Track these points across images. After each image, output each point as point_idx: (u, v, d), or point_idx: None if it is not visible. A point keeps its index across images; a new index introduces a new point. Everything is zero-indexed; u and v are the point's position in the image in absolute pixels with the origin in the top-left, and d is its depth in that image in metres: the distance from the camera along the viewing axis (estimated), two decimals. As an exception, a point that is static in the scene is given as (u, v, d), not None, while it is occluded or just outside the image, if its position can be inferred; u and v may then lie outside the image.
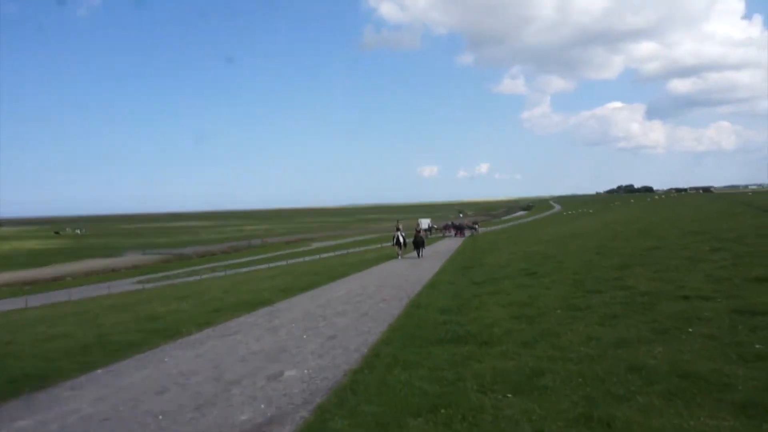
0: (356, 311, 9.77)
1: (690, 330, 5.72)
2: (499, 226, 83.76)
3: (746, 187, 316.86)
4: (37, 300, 33.51)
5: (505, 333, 6.68)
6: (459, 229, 64.35)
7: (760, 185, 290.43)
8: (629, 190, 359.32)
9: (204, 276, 40.34)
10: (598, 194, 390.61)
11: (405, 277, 15.96)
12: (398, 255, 25.58)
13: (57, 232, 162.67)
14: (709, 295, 7.39)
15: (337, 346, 6.95)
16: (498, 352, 5.85)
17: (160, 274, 50.36)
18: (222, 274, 41.94)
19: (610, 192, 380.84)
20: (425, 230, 72.05)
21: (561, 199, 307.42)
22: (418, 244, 25.52)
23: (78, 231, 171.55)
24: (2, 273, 63.08)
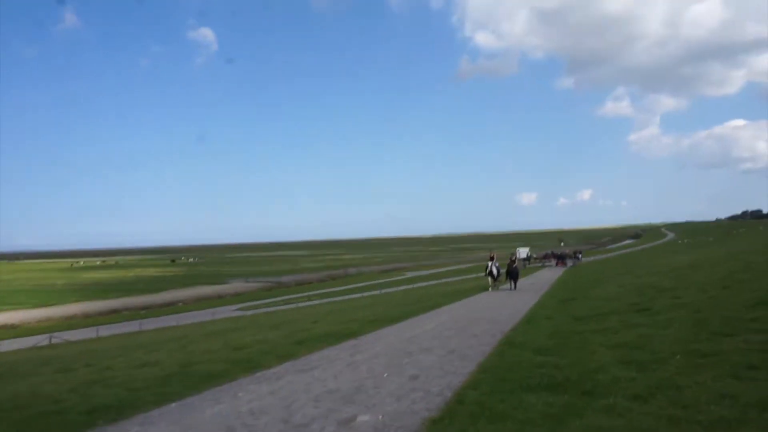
0: (444, 347, 9.09)
1: None
2: (604, 256, 78.60)
3: None
4: (150, 324, 36.05)
5: (611, 381, 5.72)
6: (560, 259, 61.41)
7: None
8: (757, 215, 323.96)
9: (300, 304, 41.34)
10: (718, 221, 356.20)
11: (499, 311, 14.98)
12: (490, 287, 24.18)
13: (173, 261, 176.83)
14: None
15: (419, 387, 6.33)
16: (603, 405, 4.93)
17: (260, 302, 52.42)
18: (317, 302, 42.73)
19: (733, 218, 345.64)
20: (523, 260, 69.21)
21: (675, 227, 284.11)
22: (513, 274, 23.97)
23: (191, 260, 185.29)
24: (125, 298, 69.09)
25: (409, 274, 79.28)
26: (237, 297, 67.38)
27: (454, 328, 11.59)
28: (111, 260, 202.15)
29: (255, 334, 13.59)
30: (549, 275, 38.80)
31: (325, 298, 46.95)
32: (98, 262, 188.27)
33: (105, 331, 32.86)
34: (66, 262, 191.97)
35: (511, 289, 23.25)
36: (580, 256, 70.26)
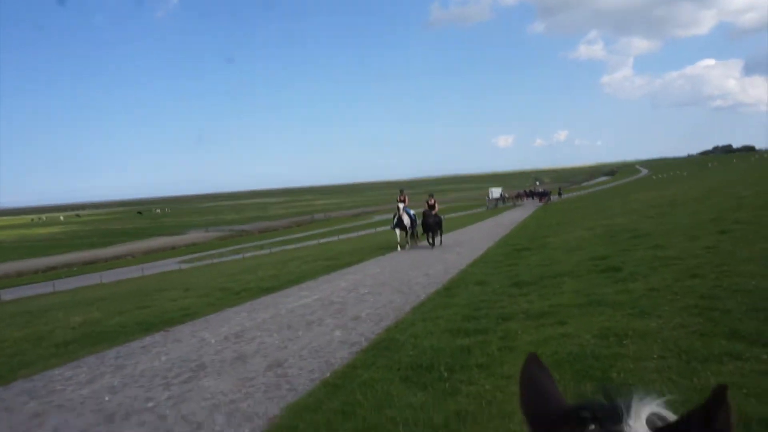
0: (272, 354, 5.37)
1: None
2: (578, 193, 76.02)
3: None
4: (69, 284, 32.00)
5: None
6: (543, 195, 59.69)
7: None
8: (727, 150, 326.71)
9: (246, 254, 37.66)
10: (690, 156, 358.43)
11: (426, 269, 11.31)
12: (399, 244, 16.45)
13: (139, 212, 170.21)
14: None
15: None
16: None
17: (209, 252, 48.62)
18: (267, 252, 39.07)
19: (705, 153, 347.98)
20: (496, 199, 65.97)
21: (648, 163, 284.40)
22: (430, 226, 16.20)
23: (159, 211, 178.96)
24: (72, 253, 64.61)
25: (377, 218, 75.64)
26: (192, 247, 63.38)
27: (338, 303, 7.87)
28: (74, 214, 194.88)
29: (99, 309, 9.74)
30: (515, 216, 35.60)
31: (275, 247, 43.18)
32: (61, 217, 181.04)
33: (9, 294, 28.84)
34: (27, 218, 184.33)
35: (432, 245, 16.24)
36: (561, 192, 68.12)
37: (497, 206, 60.86)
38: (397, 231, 16.51)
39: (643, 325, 4.56)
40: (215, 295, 9.71)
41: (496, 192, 70.88)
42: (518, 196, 68.57)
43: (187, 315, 7.74)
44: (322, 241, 42.99)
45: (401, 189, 17.69)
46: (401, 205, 16.36)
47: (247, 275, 13.58)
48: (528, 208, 48.02)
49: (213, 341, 6.06)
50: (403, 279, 10.03)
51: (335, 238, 45.56)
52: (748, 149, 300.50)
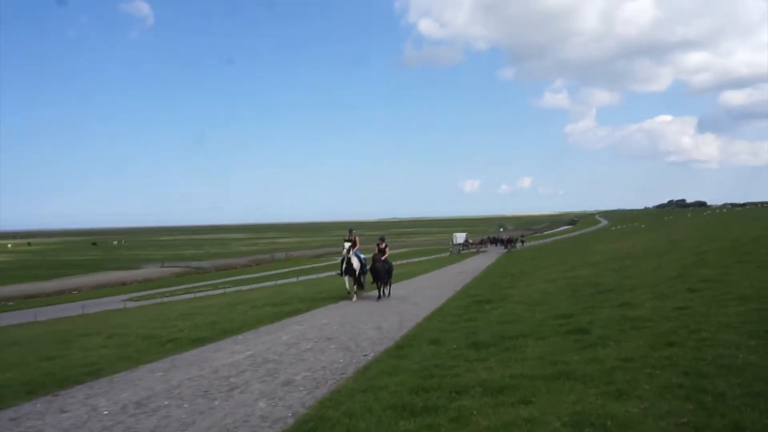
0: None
1: None
2: (541, 241, 76.75)
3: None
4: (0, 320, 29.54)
5: None
6: (509, 242, 60.79)
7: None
8: (681, 204, 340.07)
9: (197, 294, 35.80)
10: (647, 209, 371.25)
11: (379, 321, 10.40)
12: (351, 292, 14.37)
13: (94, 243, 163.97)
14: None
15: None
16: None
17: (162, 290, 46.29)
18: (221, 291, 37.29)
19: (660, 207, 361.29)
20: (461, 245, 65.64)
21: (607, 214, 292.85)
22: (379, 273, 14.05)
23: (115, 242, 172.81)
24: (12, 285, 60.74)
25: (338, 259, 74.53)
26: (144, 283, 60.52)
27: (272, 361, 6.87)
28: (24, 242, 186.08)
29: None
30: (480, 262, 35.23)
31: (230, 286, 41.39)
32: (9, 245, 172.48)
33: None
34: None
35: (380, 297, 14.23)
36: (524, 239, 68.65)
37: (461, 252, 60.63)
38: (346, 278, 14.36)
39: (622, 411, 3.78)
40: (137, 346, 8.53)
41: (460, 237, 70.66)
42: (482, 242, 68.81)
43: (91, 373, 6.58)
44: (279, 282, 41.50)
45: (350, 228, 15.40)
46: (347, 245, 14.25)
47: (183, 321, 12.33)
48: (491, 254, 47.91)
49: (106, 412, 4.97)
50: (352, 333, 9.09)
51: (294, 279, 44.13)
52: (701, 204, 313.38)
